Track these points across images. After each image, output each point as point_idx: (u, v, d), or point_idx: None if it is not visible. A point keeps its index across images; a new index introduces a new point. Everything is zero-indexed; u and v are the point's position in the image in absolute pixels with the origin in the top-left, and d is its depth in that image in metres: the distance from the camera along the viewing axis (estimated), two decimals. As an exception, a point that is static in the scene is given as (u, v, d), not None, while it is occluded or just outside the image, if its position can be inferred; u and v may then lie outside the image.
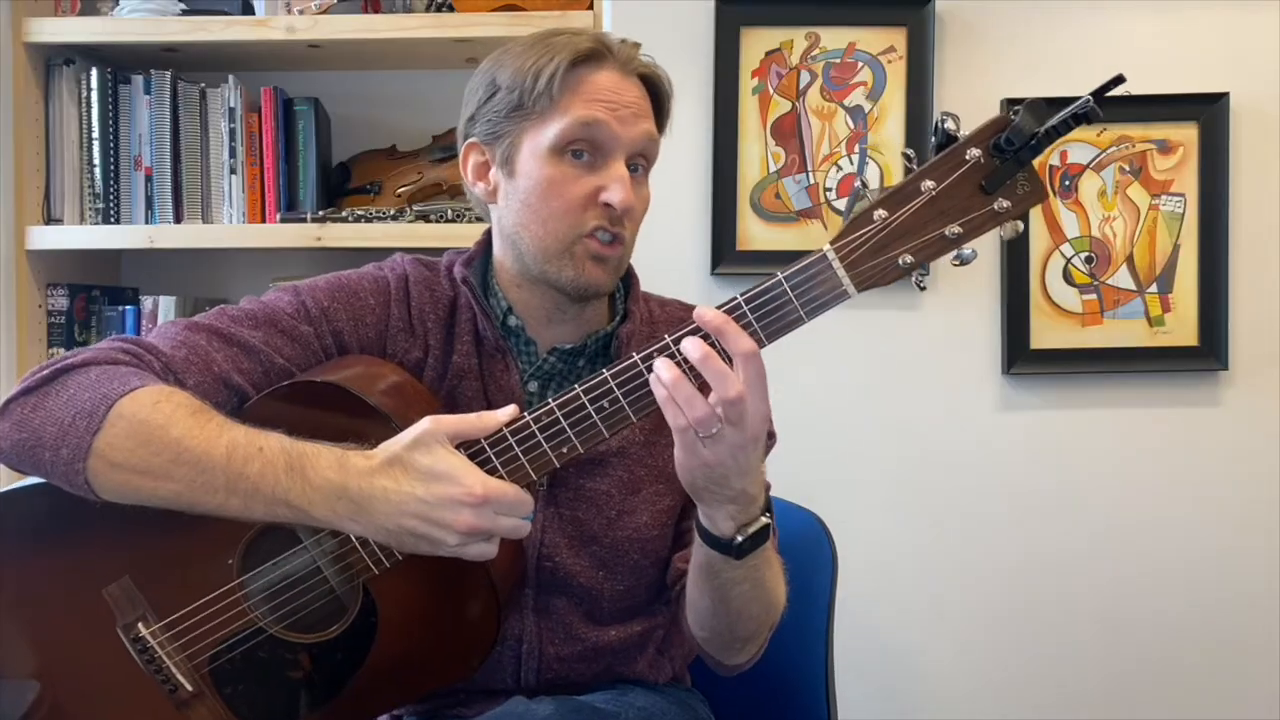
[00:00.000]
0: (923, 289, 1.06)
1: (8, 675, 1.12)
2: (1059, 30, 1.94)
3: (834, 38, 1.95)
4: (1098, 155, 1.95)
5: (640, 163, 1.19)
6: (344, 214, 2.06)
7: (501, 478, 1.03)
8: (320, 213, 2.07)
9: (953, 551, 1.97)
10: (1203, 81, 1.93)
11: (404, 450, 0.99)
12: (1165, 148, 1.94)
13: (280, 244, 2.06)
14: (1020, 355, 1.95)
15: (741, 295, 1.01)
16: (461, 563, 1.02)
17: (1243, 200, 1.94)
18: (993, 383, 1.97)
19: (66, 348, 2.10)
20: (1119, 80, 0.98)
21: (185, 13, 2.10)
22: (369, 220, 2.05)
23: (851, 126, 1.95)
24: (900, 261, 0.99)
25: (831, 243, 1.00)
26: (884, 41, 1.95)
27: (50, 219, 2.10)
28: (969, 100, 1.95)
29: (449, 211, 2.06)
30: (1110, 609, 1.97)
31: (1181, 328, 1.95)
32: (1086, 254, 1.95)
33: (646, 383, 1.01)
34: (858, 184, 1.03)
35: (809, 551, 1.51)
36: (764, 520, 1.06)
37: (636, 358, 1.02)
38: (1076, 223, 1.95)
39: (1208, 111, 1.93)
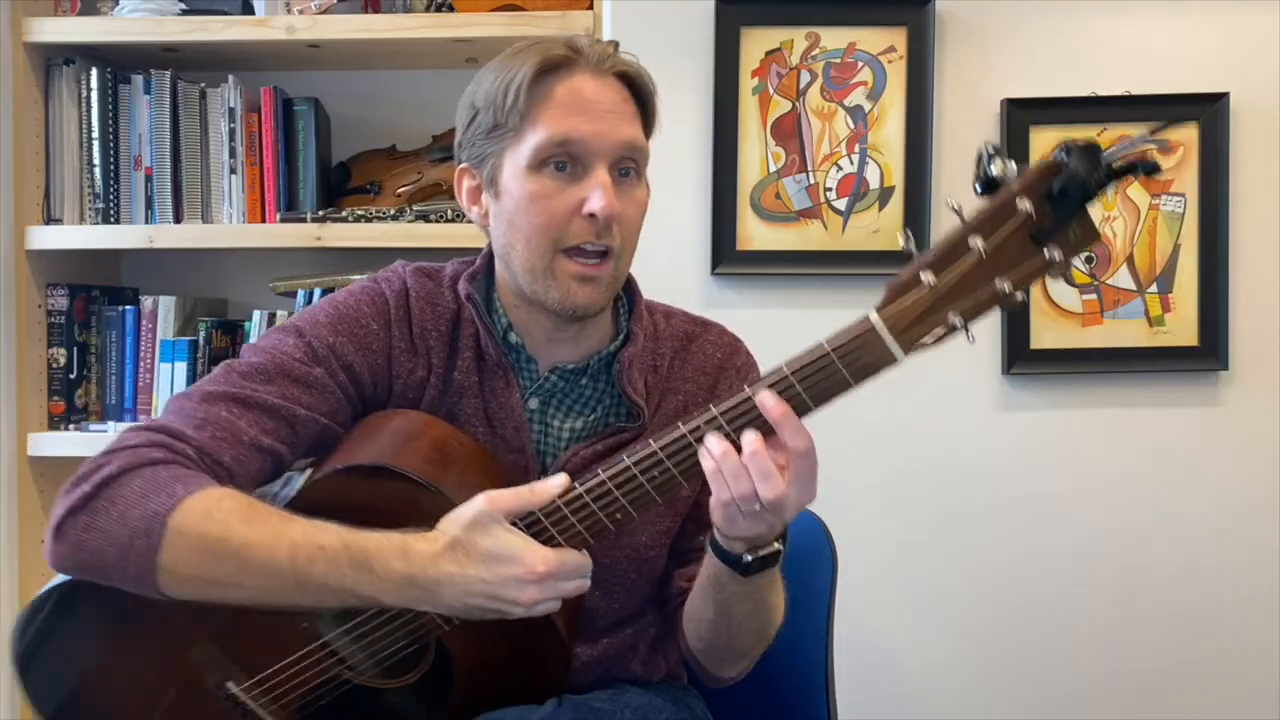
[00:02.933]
0: (972, 342, 0.98)
1: None
2: (1059, 30, 1.94)
3: (834, 38, 1.95)
4: (1098, 155, 1.94)
5: (629, 166, 1.15)
6: (344, 214, 2.06)
7: (559, 545, 1.05)
8: (320, 213, 2.07)
9: (953, 551, 1.97)
10: (1203, 81, 1.92)
11: (463, 533, 1.02)
12: (1165, 148, 1.94)
13: (280, 244, 2.06)
14: (1020, 355, 1.95)
15: (788, 367, 1.00)
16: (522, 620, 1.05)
17: (1243, 200, 1.93)
18: (993, 383, 1.97)
19: (66, 348, 2.10)
20: (1179, 120, 0.90)
21: (185, 13, 2.10)
22: (369, 220, 2.05)
23: (851, 126, 1.95)
24: (950, 322, 0.96)
25: (878, 309, 0.98)
26: (884, 41, 1.94)
27: (50, 219, 2.10)
28: (969, 100, 1.95)
29: (449, 211, 2.06)
30: (1110, 609, 1.96)
31: (1181, 328, 1.95)
32: (1086, 254, 1.95)
33: (695, 453, 1.02)
34: (903, 239, 0.99)
35: (809, 552, 1.51)
36: (776, 546, 1.08)
37: (684, 430, 1.02)
38: (1076, 223, 1.95)
39: (1208, 111, 1.92)
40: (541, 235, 1.13)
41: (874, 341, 0.98)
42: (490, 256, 1.24)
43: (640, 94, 1.18)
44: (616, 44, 1.17)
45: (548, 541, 1.05)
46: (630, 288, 1.26)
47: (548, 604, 1.03)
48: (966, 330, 0.97)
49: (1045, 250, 0.92)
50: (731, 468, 0.99)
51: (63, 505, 1.05)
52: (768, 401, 0.99)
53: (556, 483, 1.05)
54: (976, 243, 0.92)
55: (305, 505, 1.08)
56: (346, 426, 1.18)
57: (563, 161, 1.12)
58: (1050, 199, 0.91)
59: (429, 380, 1.19)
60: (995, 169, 0.92)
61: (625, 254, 1.17)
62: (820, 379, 0.99)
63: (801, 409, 1.00)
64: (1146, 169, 0.90)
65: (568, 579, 1.03)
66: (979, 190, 0.94)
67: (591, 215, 1.11)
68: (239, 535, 1.02)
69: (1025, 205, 0.91)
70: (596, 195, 1.11)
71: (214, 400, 1.12)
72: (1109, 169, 0.89)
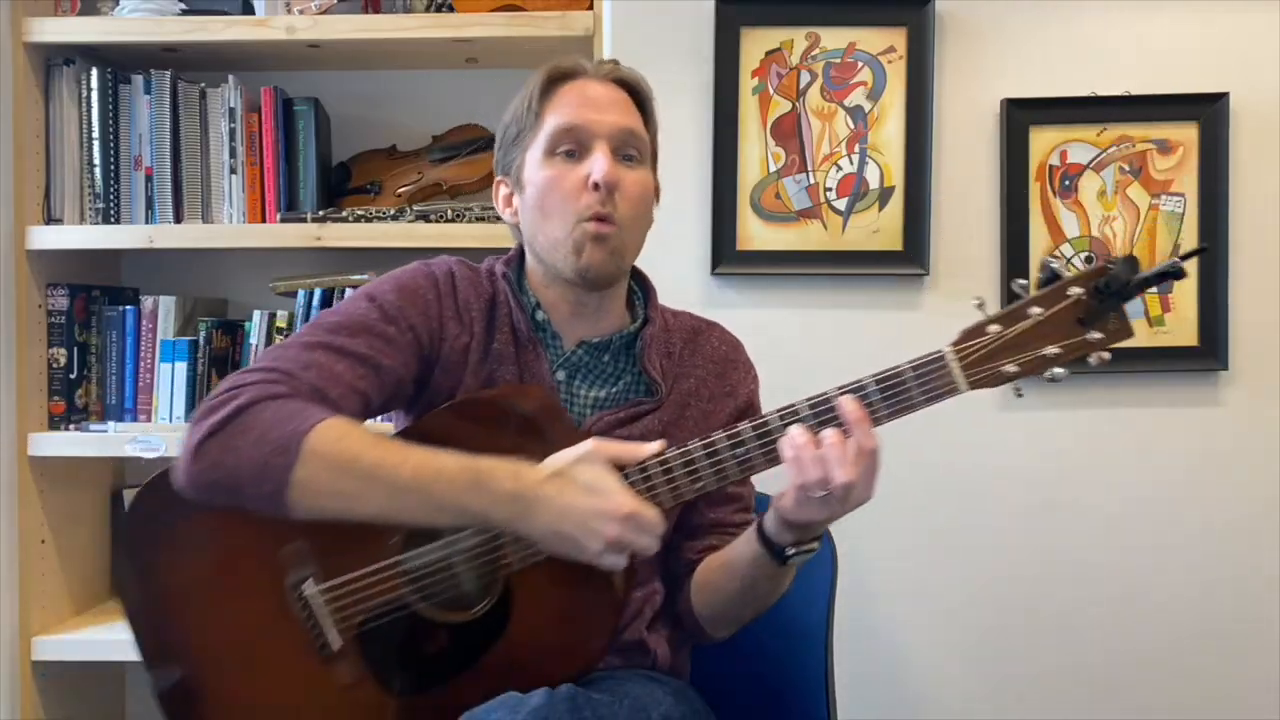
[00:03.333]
0: (1020, 396, 1.22)
1: (181, 614, 1.28)
2: (1059, 30, 1.94)
3: (834, 38, 1.95)
4: (1098, 155, 1.94)
5: (630, 152, 1.33)
6: (344, 214, 2.06)
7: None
8: (320, 213, 2.07)
9: (952, 551, 1.97)
10: (1203, 81, 1.93)
11: (569, 466, 1.17)
12: (1165, 148, 1.94)
13: (280, 244, 2.06)
14: (1020, 355, 1.94)
15: (872, 376, 1.19)
16: (590, 571, 1.18)
17: (1243, 200, 1.93)
18: (993, 383, 1.96)
19: (66, 348, 2.10)
20: (1203, 249, 1.21)
21: (185, 13, 2.10)
22: (369, 220, 2.05)
23: (851, 126, 1.95)
24: (1005, 370, 1.16)
25: (951, 346, 1.18)
26: (884, 41, 1.94)
27: (50, 219, 2.10)
28: (969, 100, 1.95)
29: (449, 211, 2.06)
30: (1110, 609, 1.97)
31: (1181, 328, 1.95)
32: (1086, 254, 1.95)
33: (776, 440, 1.18)
34: (975, 303, 1.19)
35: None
36: (815, 545, 1.25)
37: (771, 416, 1.20)
38: (1076, 223, 1.95)
39: (1208, 111, 1.92)
40: (559, 208, 1.30)
41: (944, 371, 1.17)
42: (520, 252, 1.41)
43: (637, 96, 1.36)
44: (616, 61, 1.38)
45: None
46: (644, 282, 1.43)
47: (615, 557, 1.16)
48: (1017, 383, 1.18)
49: (1088, 331, 1.15)
50: (810, 455, 1.15)
51: (201, 430, 1.17)
52: (848, 405, 1.16)
53: (653, 446, 1.20)
54: (1035, 311, 1.15)
55: (426, 432, 1.23)
56: (415, 381, 1.32)
57: (571, 149, 1.31)
58: (1097, 291, 1.14)
59: (471, 346, 1.33)
60: (1055, 265, 1.18)
61: (629, 226, 1.32)
62: (895, 393, 1.18)
63: (875, 418, 1.18)
64: (1175, 275, 1.14)
65: (644, 531, 1.16)
66: (1040, 287, 1.18)
67: (596, 185, 1.28)
68: (369, 455, 1.16)
69: (1076, 291, 1.15)
70: (597, 165, 1.28)
71: (311, 348, 1.25)
72: (1145, 277, 1.14)
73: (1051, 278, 1.16)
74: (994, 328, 1.16)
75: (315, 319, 1.31)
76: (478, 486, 1.16)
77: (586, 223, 1.28)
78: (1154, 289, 1.18)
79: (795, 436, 1.16)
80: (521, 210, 1.35)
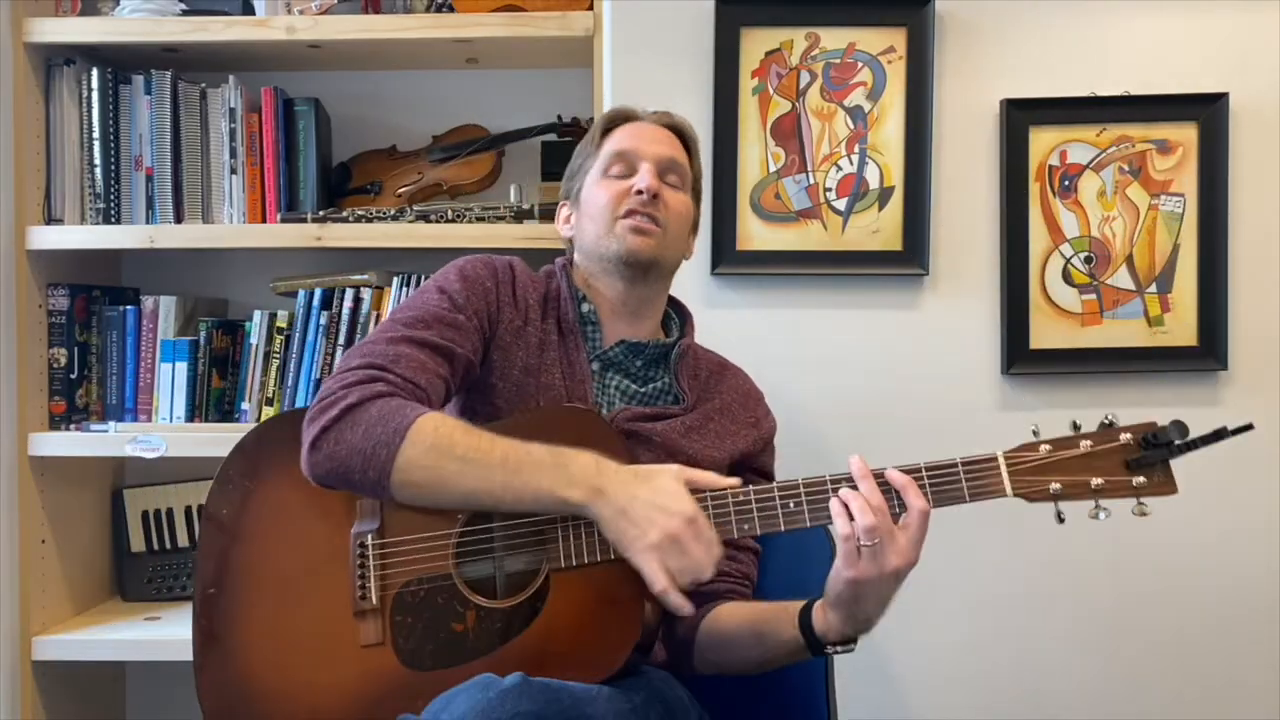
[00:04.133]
0: (1061, 522, 1.26)
1: (249, 538, 1.38)
2: (1059, 30, 1.95)
3: (834, 38, 1.95)
4: (1097, 155, 1.95)
5: (672, 179, 1.51)
6: (344, 214, 2.06)
7: None
8: (320, 213, 2.07)
9: (952, 551, 1.97)
10: (1203, 81, 1.93)
11: (649, 470, 1.29)
12: (1165, 148, 1.94)
13: (280, 244, 2.06)
14: (1020, 355, 1.95)
15: (924, 464, 1.28)
16: (624, 591, 1.27)
17: (1243, 200, 1.94)
18: (992, 383, 1.97)
19: (66, 348, 2.10)
20: (1248, 428, 1.25)
21: (185, 13, 2.10)
22: (369, 220, 2.05)
23: (851, 126, 1.95)
24: (1050, 488, 1.26)
25: (1004, 453, 1.28)
26: (884, 41, 1.95)
27: (50, 219, 2.10)
28: (968, 100, 1.95)
29: (449, 211, 2.06)
30: (1110, 609, 1.97)
31: (1181, 328, 1.95)
32: (1086, 254, 1.95)
33: (827, 498, 1.27)
34: (1034, 430, 1.29)
35: (809, 551, 1.51)
36: (852, 646, 1.32)
37: (827, 477, 1.29)
38: (1076, 223, 1.95)
39: (1208, 111, 1.93)
40: (604, 210, 1.49)
41: (994, 472, 1.28)
42: (572, 259, 1.57)
43: (684, 137, 1.56)
44: (669, 111, 1.58)
45: None
46: (683, 311, 1.59)
47: (658, 570, 1.22)
48: (1057, 504, 1.26)
49: (1133, 476, 1.25)
50: (858, 505, 1.24)
51: (316, 427, 1.30)
52: (895, 475, 1.27)
53: (733, 480, 1.32)
54: (1085, 443, 1.27)
55: (515, 427, 1.33)
56: (482, 365, 1.45)
57: (622, 171, 1.50)
58: (1145, 442, 1.25)
59: (523, 330, 1.47)
60: (1107, 421, 1.28)
61: (671, 232, 1.49)
62: (944, 482, 1.28)
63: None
64: (1219, 439, 1.23)
65: (700, 539, 1.25)
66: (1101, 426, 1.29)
67: (639, 192, 1.46)
68: (462, 445, 1.28)
69: (1126, 436, 1.26)
70: (642, 176, 1.48)
71: (396, 342, 1.37)
72: (1192, 441, 1.23)
73: (1105, 427, 1.27)
74: (1045, 447, 1.27)
75: (393, 313, 1.43)
76: (561, 468, 1.27)
77: (627, 219, 1.46)
78: (1199, 446, 1.25)
79: (843, 495, 1.26)
80: (575, 220, 1.55)
